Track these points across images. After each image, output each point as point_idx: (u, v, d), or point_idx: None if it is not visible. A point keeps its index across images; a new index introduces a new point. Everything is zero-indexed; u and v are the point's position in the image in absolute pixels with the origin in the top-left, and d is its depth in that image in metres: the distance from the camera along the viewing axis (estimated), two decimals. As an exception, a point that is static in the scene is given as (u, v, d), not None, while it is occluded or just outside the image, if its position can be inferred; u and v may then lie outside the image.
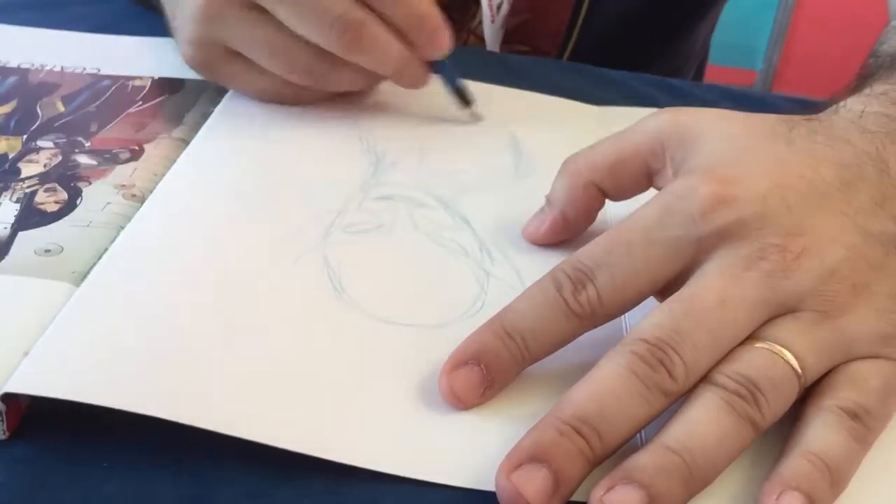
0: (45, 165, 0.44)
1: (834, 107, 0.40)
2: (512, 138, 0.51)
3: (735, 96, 0.60)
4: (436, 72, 0.51)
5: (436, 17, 0.48)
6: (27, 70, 0.53)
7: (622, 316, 0.36)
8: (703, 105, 0.56)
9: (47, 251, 0.38)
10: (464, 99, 0.52)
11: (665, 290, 0.35)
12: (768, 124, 0.38)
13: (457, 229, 0.43)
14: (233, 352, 0.35)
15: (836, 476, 0.31)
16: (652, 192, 0.40)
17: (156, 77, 0.53)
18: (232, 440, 0.32)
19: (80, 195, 0.42)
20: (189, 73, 0.53)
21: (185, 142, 0.47)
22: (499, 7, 0.68)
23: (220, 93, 0.51)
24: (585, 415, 0.31)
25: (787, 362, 0.32)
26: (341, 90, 0.50)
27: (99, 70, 0.53)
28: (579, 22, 0.70)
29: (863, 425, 0.32)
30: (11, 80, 0.52)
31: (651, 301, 0.35)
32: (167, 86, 0.52)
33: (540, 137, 0.51)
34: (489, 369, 0.34)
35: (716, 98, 0.59)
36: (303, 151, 0.48)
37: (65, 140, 0.46)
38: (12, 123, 0.48)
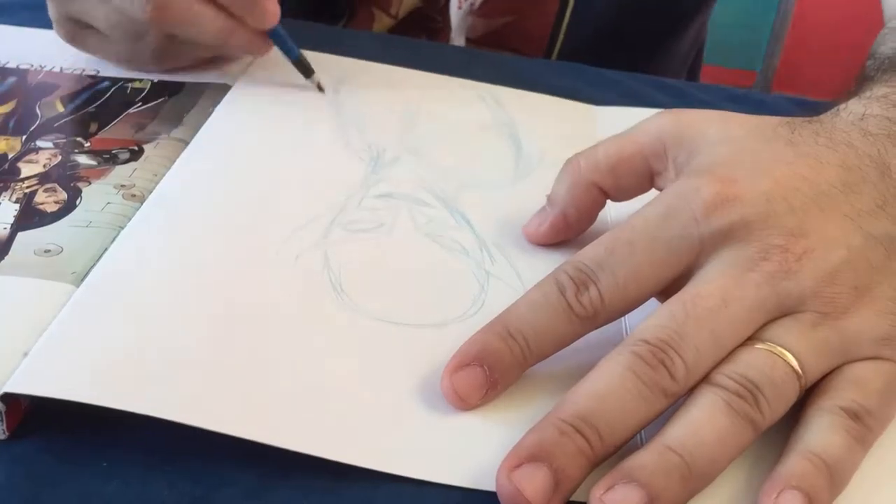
0: (44, 165, 0.44)
1: (835, 109, 0.40)
2: (513, 138, 0.51)
3: (735, 97, 0.60)
4: (276, 43, 0.52)
5: None
6: (27, 70, 0.53)
7: (622, 317, 0.36)
8: (703, 105, 0.57)
9: (47, 251, 0.38)
10: (304, 70, 0.53)
11: (667, 291, 0.35)
12: (770, 126, 0.38)
13: (457, 228, 0.43)
14: (232, 351, 0.35)
15: (836, 476, 0.31)
16: (653, 192, 0.40)
17: (155, 79, 0.53)
18: (232, 440, 0.32)
19: (80, 195, 0.42)
20: (188, 76, 0.53)
21: (185, 142, 0.47)
22: None
23: (220, 93, 0.52)
24: (586, 414, 0.31)
25: (788, 363, 0.32)
26: (186, 61, 0.53)
27: (98, 71, 0.53)
28: (564, 24, 0.70)
29: (863, 426, 0.32)
30: (11, 80, 0.52)
31: (652, 301, 0.35)
32: (167, 88, 0.52)
33: (540, 137, 0.51)
34: (492, 370, 0.34)
35: (715, 98, 0.59)
36: (303, 150, 0.48)
37: (64, 140, 0.46)
38: (12, 123, 0.47)
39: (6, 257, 0.38)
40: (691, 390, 0.32)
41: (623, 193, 0.41)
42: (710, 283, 0.33)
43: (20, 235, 0.39)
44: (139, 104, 0.50)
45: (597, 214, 0.42)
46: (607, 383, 0.32)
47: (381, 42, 0.64)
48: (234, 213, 0.42)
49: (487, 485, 0.32)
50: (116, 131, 0.48)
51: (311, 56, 0.54)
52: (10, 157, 0.45)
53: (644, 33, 0.74)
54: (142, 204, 0.42)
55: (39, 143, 0.46)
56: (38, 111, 0.49)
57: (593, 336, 0.35)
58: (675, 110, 0.40)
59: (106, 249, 0.39)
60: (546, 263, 0.41)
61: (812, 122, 0.39)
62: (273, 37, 0.51)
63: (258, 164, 0.46)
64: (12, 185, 0.42)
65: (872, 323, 0.33)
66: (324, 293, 0.39)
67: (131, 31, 0.50)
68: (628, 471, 0.30)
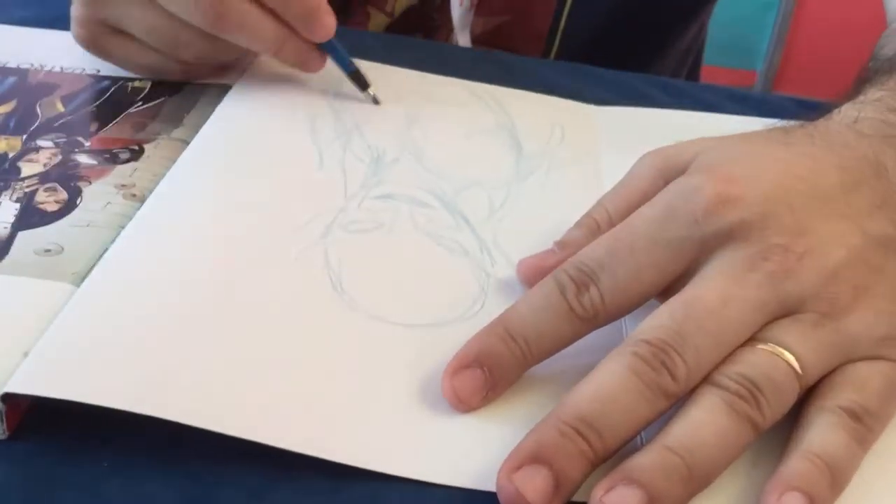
0: (45, 165, 0.44)
1: (829, 113, 0.40)
2: (513, 139, 0.51)
3: (736, 96, 0.60)
4: (331, 56, 0.52)
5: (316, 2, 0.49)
6: (27, 70, 0.53)
7: (622, 318, 0.36)
8: (704, 105, 0.57)
9: (47, 251, 0.38)
10: (360, 83, 0.53)
11: (667, 291, 0.35)
12: (763, 130, 0.38)
13: (457, 229, 0.43)
14: (232, 351, 0.35)
15: (837, 476, 0.31)
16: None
17: (155, 79, 0.52)
18: (232, 440, 0.32)
19: (80, 195, 0.42)
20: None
21: (186, 142, 0.47)
22: None
23: (220, 94, 0.51)
24: (587, 416, 0.31)
25: (788, 363, 0.32)
26: (230, 62, 0.53)
27: (99, 71, 0.53)
28: (562, 24, 0.70)
29: (863, 426, 0.32)
30: (11, 80, 0.52)
31: (652, 301, 0.35)
32: (167, 87, 0.52)
33: (541, 139, 0.51)
34: (492, 372, 0.34)
35: (716, 98, 0.59)
36: (303, 151, 0.48)
37: (65, 140, 0.46)
38: (12, 123, 0.47)
39: (6, 257, 0.38)
40: (692, 391, 0.32)
41: None
42: (710, 283, 0.33)
43: (20, 235, 0.39)
44: (139, 104, 0.50)
45: None
46: (608, 384, 0.32)
47: (381, 42, 0.64)
48: (234, 214, 0.42)
49: (488, 485, 0.31)
50: (117, 131, 0.48)
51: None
52: (10, 156, 0.45)
53: (642, 33, 0.74)
54: (142, 204, 0.42)
55: (40, 143, 0.46)
56: (38, 111, 0.49)
57: (594, 337, 0.35)
58: (657, 148, 0.40)
59: (106, 249, 0.39)
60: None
61: (805, 126, 0.39)
62: (328, 49, 0.51)
63: (258, 164, 0.46)
64: (13, 184, 0.42)
65: (872, 323, 0.33)
66: (323, 292, 0.38)
67: (171, 39, 0.49)
68: (629, 472, 0.30)
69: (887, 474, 0.33)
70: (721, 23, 0.84)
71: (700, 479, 0.31)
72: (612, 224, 0.39)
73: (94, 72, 0.53)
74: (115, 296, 0.37)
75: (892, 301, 0.34)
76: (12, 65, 0.53)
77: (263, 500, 0.31)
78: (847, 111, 0.40)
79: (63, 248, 0.38)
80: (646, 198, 0.37)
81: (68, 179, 0.43)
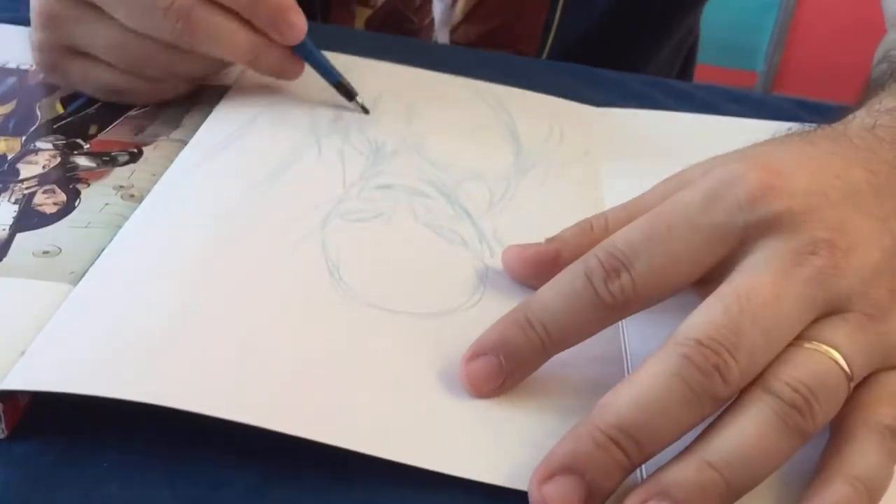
0: (43, 167, 0.44)
1: (847, 118, 0.39)
2: (512, 135, 0.51)
3: (735, 97, 0.60)
4: (314, 67, 0.50)
5: (275, 1, 0.47)
6: (26, 71, 0.53)
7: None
8: (704, 106, 0.57)
9: (45, 252, 0.38)
10: (346, 93, 0.51)
11: (702, 281, 0.33)
12: (781, 135, 0.38)
13: (456, 220, 0.43)
14: (230, 342, 0.35)
15: (875, 499, 0.30)
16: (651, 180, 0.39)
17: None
18: (232, 440, 0.32)
19: (79, 197, 0.42)
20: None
21: (185, 143, 0.47)
22: None
23: (219, 94, 0.51)
24: (627, 425, 0.30)
25: (840, 366, 0.31)
26: (199, 77, 0.50)
27: (98, 72, 0.53)
28: (554, 27, 0.70)
29: None
30: (11, 80, 0.52)
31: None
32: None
33: (539, 137, 0.51)
34: (507, 361, 0.34)
35: (717, 99, 0.59)
36: (302, 149, 0.48)
37: (64, 142, 0.46)
38: (11, 124, 0.47)
39: (4, 259, 0.38)
40: (741, 392, 0.31)
41: None
42: (759, 277, 0.32)
43: (19, 237, 0.39)
44: (139, 106, 0.50)
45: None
46: (653, 390, 0.30)
47: (378, 42, 0.64)
48: (233, 211, 0.42)
49: (485, 476, 0.31)
50: (116, 133, 0.48)
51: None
52: (9, 157, 0.45)
53: (633, 30, 0.74)
54: (140, 204, 0.42)
55: (39, 145, 0.46)
56: (37, 112, 0.49)
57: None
58: (669, 177, 0.38)
59: (104, 249, 0.39)
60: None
61: (823, 129, 0.38)
62: (304, 56, 0.50)
63: (257, 163, 0.46)
64: (11, 186, 0.42)
65: None
66: (321, 280, 0.38)
67: (136, 55, 0.47)
68: (664, 486, 0.29)
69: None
70: (721, 23, 0.84)
71: (737, 494, 0.30)
72: (607, 231, 0.37)
73: (94, 73, 0.53)
74: (112, 293, 0.37)
75: None
76: (12, 65, 0.53)
77: (263, 500, 0.31)
78: (863, 118, 0.39)
79: (61, 250, 0.38)
80: None
81: (67, 181, 0.43)
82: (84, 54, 0.48)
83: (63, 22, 0.46)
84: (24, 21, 0.57)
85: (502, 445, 0.33)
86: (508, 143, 0.50)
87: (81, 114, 0.49)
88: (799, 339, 0.32)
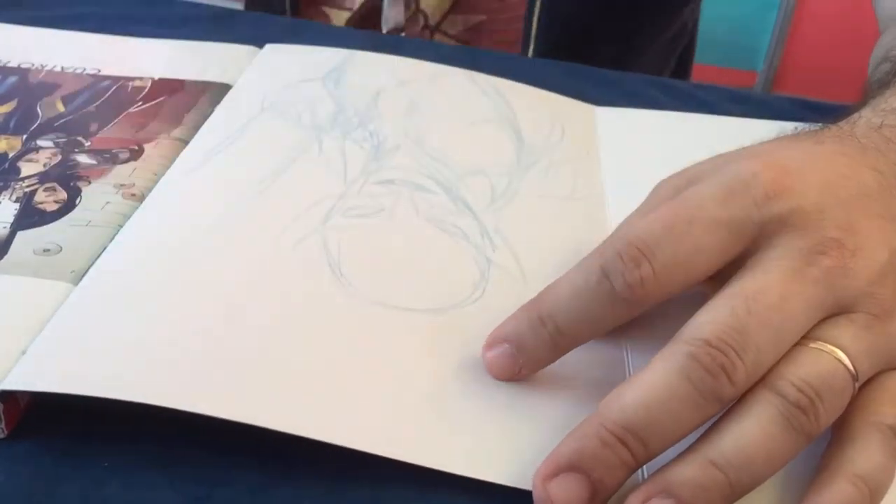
0: (44, 165, 0.44)
1: (852, 117, 0.39)
2: (514, 129, 0.51)
3: (736, 97, 0.60)
4: None
5: None
6: (27, 70, 0.52)
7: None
8: (704, 106, 0.57)
9: (46, 251, 0.38)
10: None
11: (716, 276, 0.33)
12: (788, 134, 0.37)
13: (458, 214, 0.43)
14: (232, 340, 0.35)
15: (877, 498, 0.30)
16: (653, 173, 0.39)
17: (156, 77, 0.53)
18: (232, 440, 0.32)
19: (80, 195, 0.42)
20: (188, 74, 0.53)
21: (185, 142, 0.47)
22: None
23: (220, 93, 0.51)
24: (633, 424, 0.30)
25: (846, 366, 0.31)
26: None
27: (99, 71, 0.53)
28: (534, 21, 0.70)
29: None
30: (11, 79, 0.51)
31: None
32: (167, 86, 0.52)
33: (541, 132, 0.51)
34: (519, 353, 0.34)
35: (717, 99, 0.59)
36: (302, 138, 0.47)
37: (65, 140, 0.46)
38: (12, 123, 0.47)
39: (5, 256, 0.38)
40: (747, 391, 0.31)
41: None
42: (768, 276, 0.32)
43: (20, 235, 0.39)
44: (140, 103, 0.50)
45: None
46: (659, 390, 0.30)
47: (375, 41, 0.64)
48: (233, 210, 0.42)
49: (485, 474, 0.31)
50: (117, 131, 0.48)
51: (309, 50, 0.53)
52: (10, 156, 0.45)
53: (618, 28, 0.73)
54: (141, 203, 0.42)
55: (40, 143, 0.46)
56: (38, 110, 0.49)
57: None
58: (674, 173, 0.38)
59: (105, 248, 0.39)
60: (548, 251, 0.41)
61: (830, 128, 0.38)
62: None
63: (258, 161, 0.46)
64: (12, 184, 0.42)
65: None
66: (323, 277, 0.38)
67: None
68: (667, 484, 0.29)
69: None
70: (721, 23, 0.84)
71: (740, 493, 0.30)
72: None
73: (95, 71, 0.53)
74: (112, 293, 0.37)
75: None
76: (13, 64, 0.53)
77: (263, 501, 0.31)
78: (870, 117, 0.39)
79: (62, 248, 0.38)
80: None
81: (68, 179, 0.43)
82: None
83: None
84: (25, 21, 0.58)
85: (506, 444, 0.33)
86: (510, 137, 0.50)
87: (82, 112, 0.49)
88: (805, 338, 0.32)
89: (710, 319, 0.31)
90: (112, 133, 0.47)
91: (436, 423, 0.33)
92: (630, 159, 0.50)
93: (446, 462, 0.32)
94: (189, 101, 0.50)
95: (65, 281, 0.37)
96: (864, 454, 0.31)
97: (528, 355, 0.34)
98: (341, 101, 0.51)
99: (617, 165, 0.49)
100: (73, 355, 0.33)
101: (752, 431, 0.30)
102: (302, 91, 0.52)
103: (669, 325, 0.32)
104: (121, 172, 0.44)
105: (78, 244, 0.39)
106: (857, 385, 0.32)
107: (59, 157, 0.45)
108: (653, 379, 0.30)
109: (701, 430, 0.31)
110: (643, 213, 0.37)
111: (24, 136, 0.46)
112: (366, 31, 0.70)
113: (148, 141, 0.47)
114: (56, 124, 0.48)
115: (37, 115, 0.48)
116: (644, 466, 0.31)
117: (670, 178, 0.38)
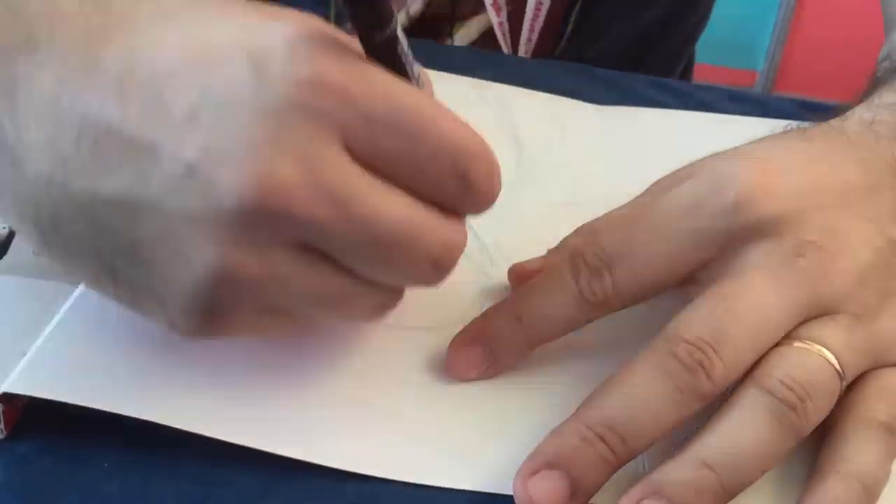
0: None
1: (844, 114, 0.39)
2: (514, 136, 0.51)
3: (736, 97, 0.60)
4: None
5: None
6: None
7: None
8: (704, 106, 0.57)
9: (47, 251, 0.38)
10: None
11: (690, 280, 0.34)
12: (779, 132, 0.38)
13: None
14: (230, 355, 0.35)
15: (872, 496, 0.31)
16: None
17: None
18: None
19: (80, 195, 0.42)
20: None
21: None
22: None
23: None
24: (612, 421, 0.30)
25: (831, 364, 0.31)
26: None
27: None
28: (571, 22, 0.70)
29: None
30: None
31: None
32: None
33: (542, 137, 0.51)
34: (493, 351, 0.35)
35: (716, 99, 0.59)
36: None
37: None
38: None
39: (5, 257, 0.38)
40: (736, 389, 0.31)
41: None
42: (746, 279, 0.32)
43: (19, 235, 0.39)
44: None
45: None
46: (638, 387, 0.31)
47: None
48: None
49: (490, 486, 0.32)
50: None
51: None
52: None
53: (642, 61, 0.74)
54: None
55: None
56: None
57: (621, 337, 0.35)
58: (665, 175, 0.38)
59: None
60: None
61: (821, 126, 0.38)
62: None
63: None
64: (12, 184, 0.42)
65: None
66: None
67: (357, 307, 0.33)
68: (659, 486, 0.29)
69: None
70: (721, 22, 0.84)
71: (732, 493, 0.30)
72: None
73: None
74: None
75: None
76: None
77: (263, 500, 0.31)
78: (862, 113, 0.39)
79: (63, 249, 0.38)
80: None
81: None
82: (262, 311, 0.32)
83: (266, 280, 0.30)
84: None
85: (508, 457, 0.32)
86: (510, 145, 0.50)
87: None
88: (790, 338, 0.32)
89: (689, 318, 0.32)
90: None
91: (435, 440, 0.33)
92: (630, 159, 0.50)
93: (448, 478, 0.32)
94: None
95: (64, 281, 0.37)
96: (858, 452, 0.31)
97: (501, 352, 0.35)
98: None
99: (617, 165, 0.49)
100: (74, 361, 0.33)
101: (741, 430, 0.30)
102: None
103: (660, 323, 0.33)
104: (121, 173, 0.44)
105: (78, 244, 0.39)
106: (844, 384, 0.32)
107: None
108: (632, 377, 0.31)
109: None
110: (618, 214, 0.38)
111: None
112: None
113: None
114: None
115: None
116: (646, 462, 0.32)
117: (664, 178, 0.38)
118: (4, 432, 0.32)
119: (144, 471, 0.32)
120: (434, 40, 0.71)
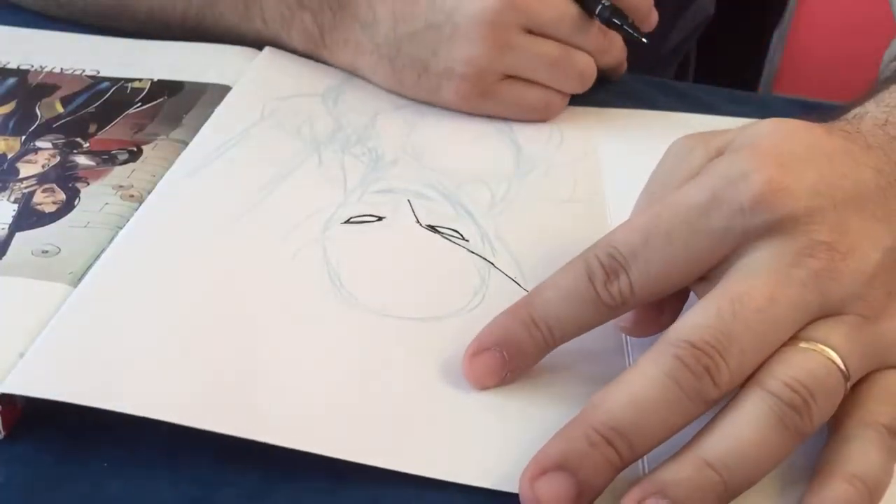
0: (43, 166, 0.44)
1: (858, 112, 0.39)
2: (512, 141, 0.51)
3: (736, 98, 0.60)
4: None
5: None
6: (27, 71, 0.52)
7: None
8: (704, 107, 0.57)
9: (45, 252, 0.38)
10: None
11: (702, 279, 0.34)
12: (800, 121, 0.37)
13: (458, 220, 0.43)
14: (231, 349, 0.35)
15: (876, 497, 0.31)
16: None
17: (155, 79, 0.52)
18: (233, 440, 0.32)
19: (78, 196, 0.42)
20: (188, 76, 0.53)
21: (184, 143, 0.47)
22: None
23: (220, 95, 0.51)
24: (619, 424, 0.30)
25: (836, 365, 0.31)
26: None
27: (98, 72, 0.53)
28: None
29: None
30: (11, 80, 0.51)
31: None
32: (166, 88, 0.52)
33: (540, 141, 0.51)
34: (511, 357, 0.34)
35: (717, 100, 0.59)
36: (302, 152, 0.48)
37: (63, 141, 0.46)
38: (11, 124, 0.47)
39: (3, 258, 0.38)
40: (739, 389, 0.31)
41: None
42: (755, 279, 0.32)
43: (18, 236, 0.39)
44: (139, 104, 0.50)
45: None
46: (645, 391, 0.30)
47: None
48: (232, 214, 0.42)
49: (489, 482, 0.31)
50: (115, 132, 0.48)
51: (311, 63, 0.53)
52: (9, 157, 0.45)
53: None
54: (140, 205, 0.42)
55: (38, 144, 0.46)
56: (37, 111, 0.49)
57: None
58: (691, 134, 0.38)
59: (104, 250, 0.39)
60: (547, 256, 0.41)
61: (840, 122, 0.38)
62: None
63: (257, 164, 0.46)
64: (11, 185, 0.42)
65: None
66: (323, 288, 0.38)
67: (569, 73, 0.53)
68: (662, 485, 0.29)
69: None
70: (721, 23, 0.84)
71: (734, 493, 0.30)
72: None
73: (94, 73, 0.53)
74: (111, 296, 0.37)
75: None
76: (12, 66, 0.53)
77: (263, 501, 0.31)
78: (875, 114, 0.38)
79: (60, 249, 0.38)
80: None
81: (66, 180, 0.43)
82: (512, 78, 0.52)
83: (511, 47, 0.50)
84: (25, 22, 0.58)
85: (506, 449, 0.32)
86: (508, 148, 0.50)
87: (81, 113, 0.49)
88: (796, 339, 0.32)
89: (695, 322, 0.31)
90: (111, 134, 0.47)
91: (437, 432, 0.33)
92: (630, 159, 0.50)
93: (451, 472, 0.32)
94: (188, 103, 0.50)
95: (63, 282, 0.37)
96: (861, 454, 0.31)
97: (520, 357, 0.34)
98: (340, 120, 0.51)
99: (617, 166, 0.49)
100: (72, 361, 0.33)
101: (745, 431, 0.30)
102: (302, 105, 0.52)
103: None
104: (120, 174, 0.44)
105: (76, 245, 0.39)
106: (849, 385, 0.32)
107: (58, 158, 0.45)
108: (639, 379, 0.31)
109: (696, 428, 0.31)
110: (636, 211, 0.38)
111: (23, 137, 0.46)
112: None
113: (146, 142, 0.47)
114: (55, 125, 0.48)
115: (36, 116, 0.48)
116: (646, 462, 0.32)
117: (687, 139, 0.38)
118: (3, 432, 0.32)
119: (144, 471, 0.31)
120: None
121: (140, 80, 0.52)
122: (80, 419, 0.32)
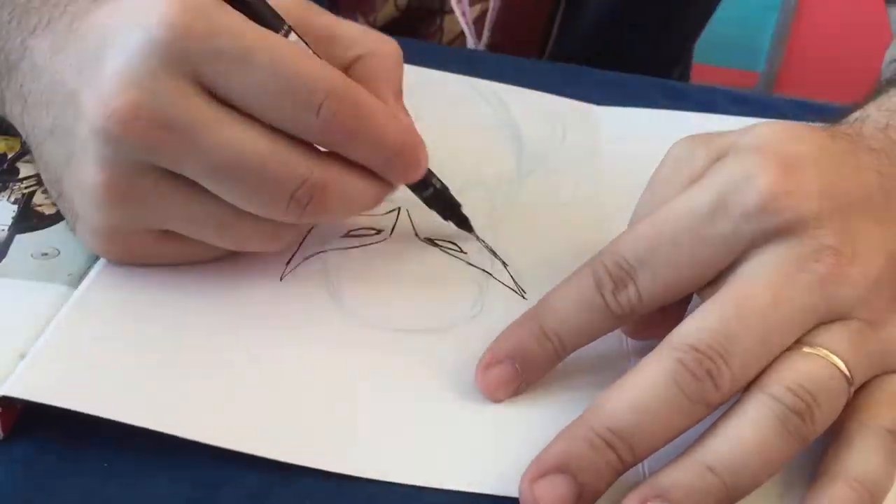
0: (44, 167, 0.44)
1: (860, 115, 0.39)
2: (515, 136, 0.51)
3: (736, 98, 0.60)
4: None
5: (413, 144, 0.38)
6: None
7: None
8: (704, 107, 0.57)
9: (44, 254, 0.38)
10: (462, 223, 0.42)
11: (708, 284, 0.34)
12: (802, 123, 0.37)
13: (456, 231, 0.43)
14: (230, 362, 0.35)
15: (877, 501, 0.30)
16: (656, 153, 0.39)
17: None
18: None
19: (80, 196, 0.42)
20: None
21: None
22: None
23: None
24: (620, 427, 0.30)
25: (842, 372, 0.31)
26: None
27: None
28: (557, 20, 0.70)
29: None
30: (11, 81, 0.51)
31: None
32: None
33: (542, 137, 0.51)
34: (523, 368, 0.34)
35: (717, 100, 0.59)
36: None
37: (64, 141, 0.46)
38: (12, 125, 0.47)
39: (3, 260, 0.38)
40: (741, 393, 0.31)
41: None
42: (760, 283, 0.32)
43: (18, 238, 0.39)
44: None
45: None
46: (647, 394, 0.30)
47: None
48: None
49: (490, 488, 0.32)
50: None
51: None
52: (9, 156, 0.45)
53: (637, 30, 0.74)
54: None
55: (39, 144, 0.46)
56: (37, 112, 0.49)
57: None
58: (693, 135, 0.37)
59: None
60: (546, 264, 0.41)
61: (842, 125, 0.38)
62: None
63: None
64: (11, 185, 0.42)
65: None
66: (323, 303, 0.38)
67: (253, 232, 0.37)
68: (663, 489, 0.29)
69: None
70: (722, 23, 0.84)
71: (736, 497, 0.30)
72: None
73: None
74: (111, 299, 0.37)
75: None
76: (12, 66, 0.53)
77: (263, 501, 0.31)
78: (876, 117, 0.38)
79: (60, 252, 0.38)
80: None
81: (67, 181, 0.43)
82: (166, 234, 0.37)
83: (142, 199, 0.35)
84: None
85: (509, 458, 0.32)
86: (510, 145, 0.50)
87: (81, 114, 0.49)
88: (799, 343, 0.32)
89: (698, 325, 0.31)
90: (111, 134, 0.47)
91: (437, 441, 0.33)
92: (630, 159, 0.50)
93: (454, 481, 0.32)
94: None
95: (62, 284, 0.37)
96: (863, 458, 0.31)
97: (532, 368, 0.35)
98: None
99: (618, 166, 0.49)
100: (72, 366, 0.33)
101: (748, 435, 0.30)
102: None
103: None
104: (120, 174, 0.44)
105: (76, 248, 0.39)
106: (852, 390, 0.32)
107: (59, 159, 0.45)
108: (641, 382, 0.31)
109: (698, 432, 0.31)
110: (638, 217, 0.37)
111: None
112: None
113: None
114: (56, 126, 0.48)
115: (36, 117, 0.48)
116: (646, 465, 0.32)
117: (688, 141, 0.37)
118: (2, 433, 0.32)
119: (144, 471, 0.32)
120: (422, 30, 0.71)
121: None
122: (80, 420, 0.32)
